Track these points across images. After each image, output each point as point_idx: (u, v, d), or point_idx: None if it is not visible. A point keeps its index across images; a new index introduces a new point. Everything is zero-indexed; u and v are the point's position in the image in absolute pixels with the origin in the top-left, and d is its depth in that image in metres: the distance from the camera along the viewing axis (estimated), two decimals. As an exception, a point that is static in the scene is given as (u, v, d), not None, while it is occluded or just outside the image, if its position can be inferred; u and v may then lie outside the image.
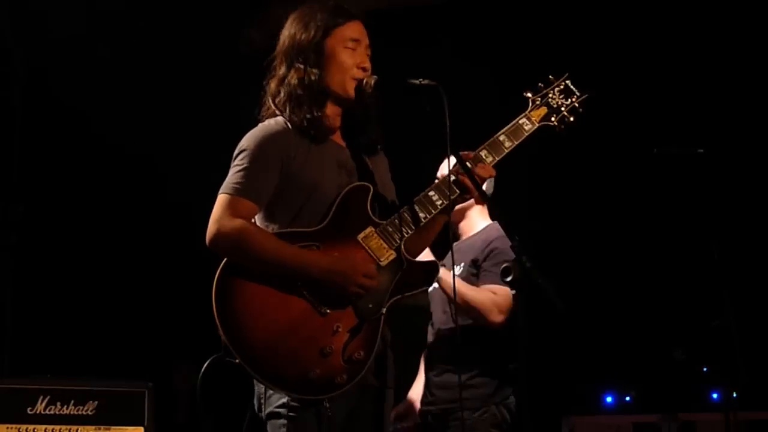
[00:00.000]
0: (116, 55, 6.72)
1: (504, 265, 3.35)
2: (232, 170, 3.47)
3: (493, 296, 4.69)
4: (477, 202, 4.95)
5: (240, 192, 3.41)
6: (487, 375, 4.73)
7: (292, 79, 3.54)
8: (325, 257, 3.38)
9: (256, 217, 3.49)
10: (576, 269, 7.07)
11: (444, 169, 4.77)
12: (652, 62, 7.02)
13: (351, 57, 3.56)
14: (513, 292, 3.34)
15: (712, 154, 5.00)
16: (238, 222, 3.36)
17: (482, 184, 3.54)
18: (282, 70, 3.59)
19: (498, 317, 4.69)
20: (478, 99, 6.31)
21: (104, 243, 7.11)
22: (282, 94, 3.56)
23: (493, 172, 3.62)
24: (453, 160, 3.51)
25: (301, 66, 3.54)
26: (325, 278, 3.34)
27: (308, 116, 3.50)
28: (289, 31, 3.62)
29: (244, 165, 3.44)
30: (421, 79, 3.47)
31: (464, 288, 4.69)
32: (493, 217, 4.97)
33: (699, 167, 4.93)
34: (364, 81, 3.54)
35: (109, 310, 7.00)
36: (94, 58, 6.69)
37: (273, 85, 3.61)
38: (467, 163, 3.51)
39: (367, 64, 3.59)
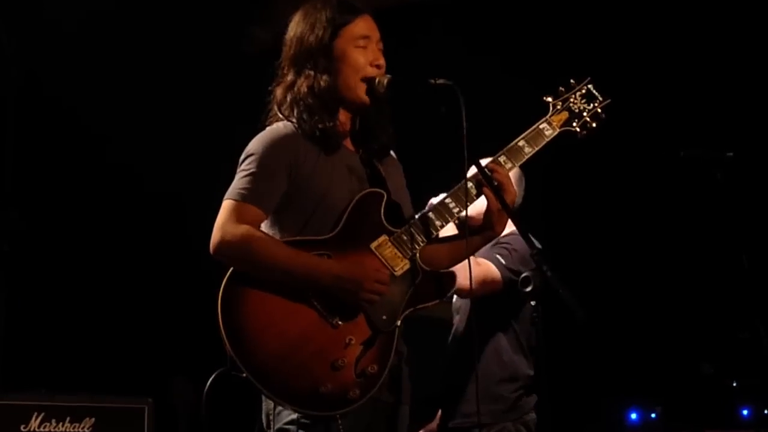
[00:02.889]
0: (115, 55, 6.74)
1: (524, 274, 3.37)
2: (238, 175, 3.49)
3: (474, 263, 4.55)
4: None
5: (246, 198, 3.42)
6: (505, 389, 4.75)
7: (302, 86, 3.54)
8: (336, 264, 3.38)
9: (262, 225, 3.49)
10: (599, 279, 7.07)
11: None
12: (678, 61, 7.02)
13: (363, 55, 3.55)
14: (532, 302, 3.35)
15: (743, 158, 5.00)
16: (243, 228, 3.37)
17: (503, 191, 3.54)
18: (290, 77, 3.59)
19: (463, 282, 4.56)
20: (496, 101, 6.32)
21: (101, 252, 7.12)
22: (289, 102, 3.56)
23: (509, 176, 3.63)
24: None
25: (311, 72, 3.54)
26: (336, 285, 3.34)
27: (320, 126, 3.50)
28: (294, 32, 3.62)
29: (251, 170, 3.45)
30: (436, 79, 3.48)
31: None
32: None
33: (728, 171, 4.92)
34: (377, 80, 3.54)
35: (106, 323, 7.01)
36: (91, 57, 6.71)
37: (279, 92, 3.61)
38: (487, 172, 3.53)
39: (381, 61, 3.59)
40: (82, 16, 6.56)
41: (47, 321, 6.84)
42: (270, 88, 3.66)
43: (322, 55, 3.54)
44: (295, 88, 3.56)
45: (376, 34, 3.62)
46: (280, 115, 3.59)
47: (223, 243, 3.37)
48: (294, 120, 3.54)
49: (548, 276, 3.28)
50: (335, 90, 3.54)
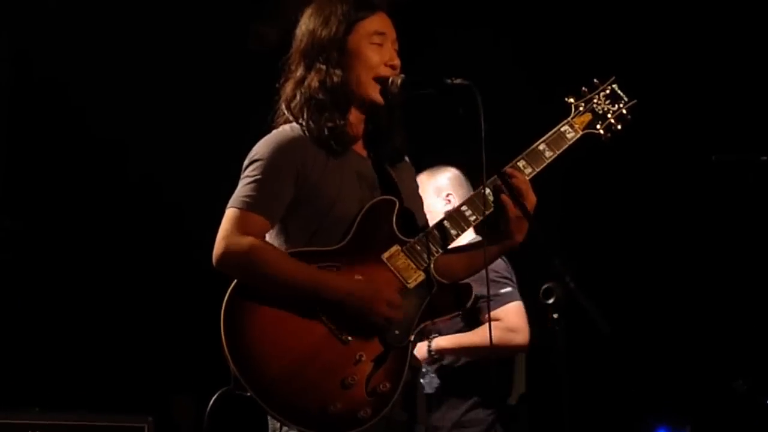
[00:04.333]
0: (115, 52, 6.74)
1: (546, 285, 3.36)
2: (242, 182, 3.48)
3: (498, 324, 4.71)
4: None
5: (250, 206, 3.41)
6: (480, 412, 4.77)
7: (312, 81, 3.53)
8: (345, 281, 3.37)
9: (267, 235, 3.48)
10: (624, 289, 7.04)
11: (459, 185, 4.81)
12: (709, 59, 6.98)
13: (378, 53, 3.55)
14: (555, 315, 3.35)
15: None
16: (247, 239, 3.36)
17: (523, 198, 3.51)
18: (300, 72, 3.58)
19: (517, 339, 4.75)
20: (516, 102, 6.30)
21: (99, 262, 7.11)
22: (299, 99, 3.55)
23: (528, 182, 3.60)
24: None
25: (323, 66, 3.53)
26: (346, 304, 3.33)
27: (329, 124, 3.49)
28: (306, 26, 3.62)
29: (256, 176, 3.44)
30: (453, 78, 3.47)
31: (461, 340, 4.74)
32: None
33: (762, 176, 4.90)
34: (390, 80, 3.53)
35: (104, 336, 7.00)
36: (91, 55, 6.71)
37: (289, 88, 3.61)
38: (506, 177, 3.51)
39: (396, 61, 3.58)
40: (83, 11, 6.57)
41: (42, 334, 6.83)
42: (278, 84, 3.65)
43: (334, 50, 3.54)
44: (306, 83, 3.56)
45: (392, 33, 3.62)
46: (289, 115, 3.58)
47: (226, 254, 3.36)
48: (302, 122, 3.53)
49: (571, 287, 3.26)
50: (347, 85, 3.53)
